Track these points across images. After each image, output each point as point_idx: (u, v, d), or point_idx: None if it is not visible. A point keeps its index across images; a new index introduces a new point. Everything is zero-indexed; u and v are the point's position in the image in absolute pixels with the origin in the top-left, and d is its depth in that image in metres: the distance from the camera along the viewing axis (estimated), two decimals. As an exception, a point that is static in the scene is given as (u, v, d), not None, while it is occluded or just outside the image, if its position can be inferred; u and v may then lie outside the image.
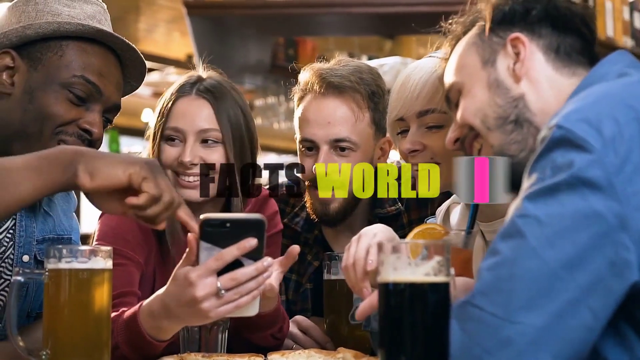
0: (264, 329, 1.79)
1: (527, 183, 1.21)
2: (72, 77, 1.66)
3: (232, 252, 1.32)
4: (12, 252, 1.71)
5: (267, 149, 11.80)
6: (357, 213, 2.15)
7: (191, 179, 1.93)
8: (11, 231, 1.71)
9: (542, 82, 1.41)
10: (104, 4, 1.81)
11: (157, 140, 1.95)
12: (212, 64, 5.29)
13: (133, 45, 1.76)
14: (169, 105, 1.97)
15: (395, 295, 1.17)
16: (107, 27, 1.78)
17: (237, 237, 1.33)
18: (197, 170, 1.93)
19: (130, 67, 1.80)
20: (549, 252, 1.14)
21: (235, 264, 1.34)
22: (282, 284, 2.18)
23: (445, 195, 1.90)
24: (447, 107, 1.58)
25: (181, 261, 1.38)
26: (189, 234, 1.36)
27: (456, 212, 1.83)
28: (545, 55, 1.42)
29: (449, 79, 1.52)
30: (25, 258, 1.72)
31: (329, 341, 1.90)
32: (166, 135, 1.95)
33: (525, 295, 1.14)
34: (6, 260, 1.70)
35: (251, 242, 1.33)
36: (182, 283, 1.35)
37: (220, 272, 1.34)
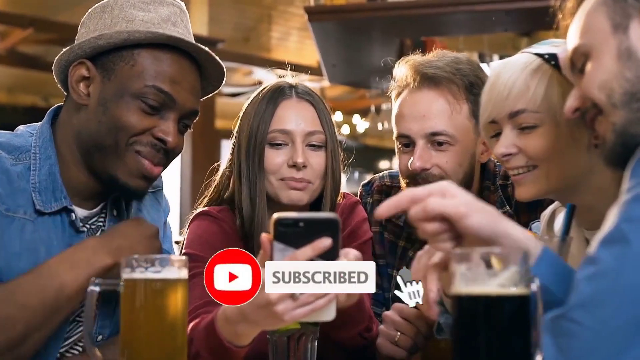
0: (350, 326, 1.74)
1: (633, 182, 1.09)
2: (144, 87, 1.64)
3: (306, 252, 1.28)
4: None
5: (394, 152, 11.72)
6: None
7: (300, 180, 1.91)
8: None
9: None
10: (182, 3, 1.77)
11: (257, 145, 1.93)
12: (337, 68, 5.24)
13: (206, 49, 1.72)
14: (269, 108, 1.95)
15: (468, 309, 1.10)
16: (183, 28, 1.74)
17: (311, 237, 1.29)
18: (306, 172, 1.92)
19: (209, 67, 1.76)
20: None
21: None
22: (384, 280, 2.13)
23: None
24: (570, 72, 1.41)
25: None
26: (262, 234, 1.34)
27: (561, 217, 1.69)
28: None
29: (573, 41, 1.35)
30: None
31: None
32: (270, 138, 1.93)
33: (631, 310, 1.03)
34: None
35: (325, 242, 1.28)
36: None
37: None
